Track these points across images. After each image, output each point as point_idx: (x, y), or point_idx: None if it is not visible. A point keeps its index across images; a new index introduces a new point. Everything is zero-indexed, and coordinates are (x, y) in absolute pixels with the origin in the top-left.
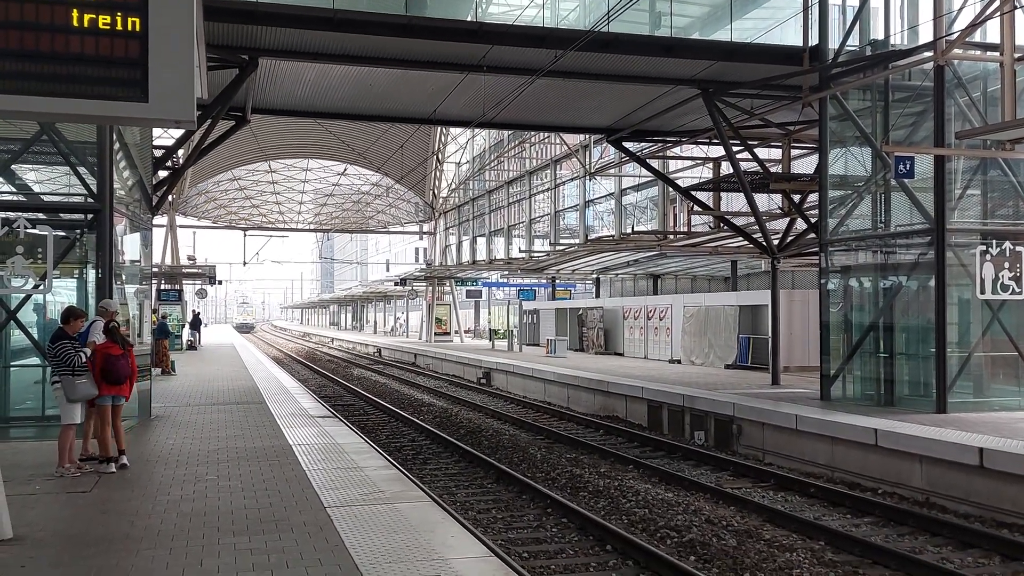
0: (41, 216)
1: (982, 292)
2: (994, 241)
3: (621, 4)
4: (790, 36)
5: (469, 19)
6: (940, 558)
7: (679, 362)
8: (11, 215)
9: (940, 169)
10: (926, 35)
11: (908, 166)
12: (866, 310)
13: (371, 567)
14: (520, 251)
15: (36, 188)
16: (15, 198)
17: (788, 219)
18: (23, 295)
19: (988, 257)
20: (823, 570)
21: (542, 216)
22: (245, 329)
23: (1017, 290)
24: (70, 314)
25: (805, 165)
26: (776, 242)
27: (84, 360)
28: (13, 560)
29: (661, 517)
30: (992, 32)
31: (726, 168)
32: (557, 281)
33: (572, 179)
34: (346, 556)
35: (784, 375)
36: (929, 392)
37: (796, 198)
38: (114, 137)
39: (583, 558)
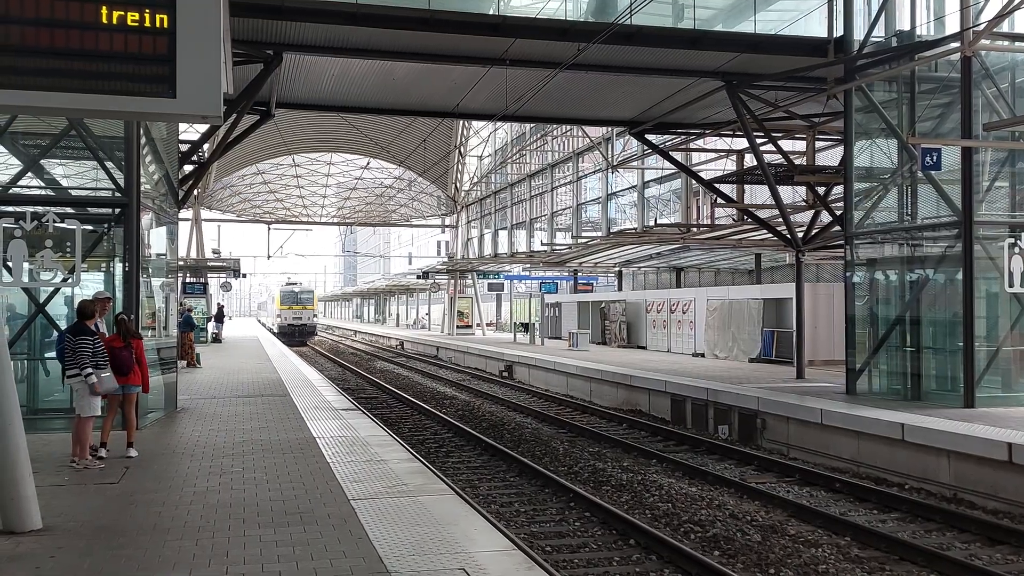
0: (69, 210)
1: (1010, 285)
2: (1023, 234)
3: None
4: (815, 27)
5: (492, 12)
6: (968, 555)
7: (703, 356)
8: (40, 209)
9: (967, 161)
10: (953, 26)
11: (935, 158)
12: (892, 303)
13: (395, 560)
14: (542, 244)
15: (64, 183)
16: (44, 193)
17: (813, 212)
18: (52, 288)
19: (1017, 250)
20: (849, 566)
21: (564, 209)
22: (296, 335)
23: None
24: (89, 308)
25: (830, 157)
26: (800, 235)
27: (87, 368)
28: (43, 550)
29: (685, 511)
30: (1020, 22)
31: (750, 160)
32: (579, 274)
33: (594, 172)
34: (370, 548)
35: (809, 369)
36: (956, 387)
37: (821, 190)
38: (141, 132)
39: (606, 552)
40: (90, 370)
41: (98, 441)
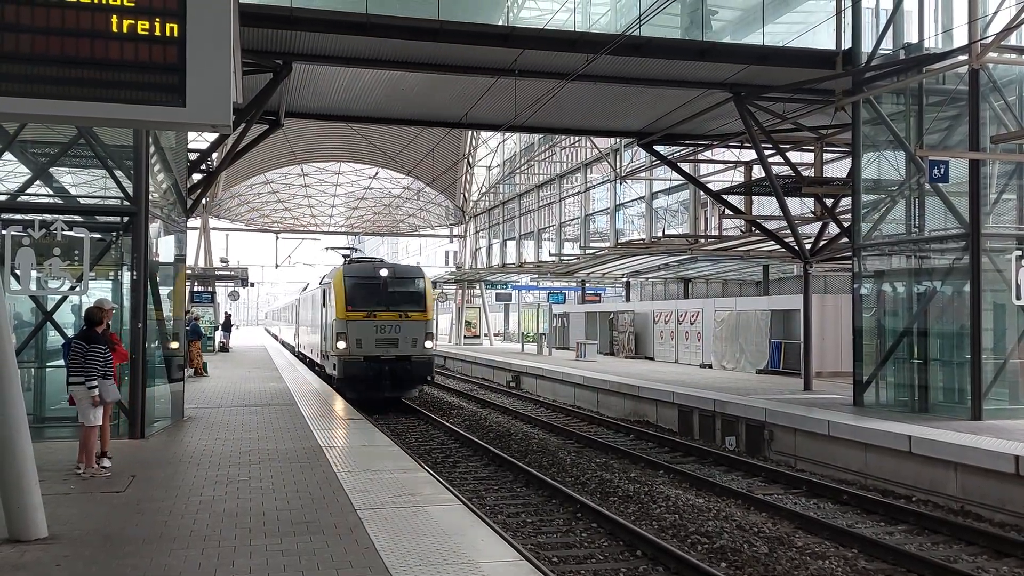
0: (78, 218)
1: (1018, 298)
2: None
3: (653, 8)
4: (823, 39)
5: (501, 23)
6: (975, 567)
7: (710, 367)
8: (49, 217)
9: (975, 173)
10: (961, 39)
11: (942, 170)
12: (900, 315)
13: (401, 570)
14: (550, 254)
15: (73, 191)
16: (53, 201)
17: (820, 223)
18: (59, 296)
19: None
20: None
21: (572, 219)
22: (388, 383)
23: None
24: (97, 315)
25: (838, 169)
26: (808, 246)
27: (93, 379)
28: (49, 558)
29: (692, 523)
30: None
31: (758, 172)
32: (587, 284)
33: (603, 182)
34: (376, 559)
35: (816, 380)
36: (964, 399)
37: (829, 202)
38: (150, 140)
39: (613, 563)
40: (95, 381)
41: (98, 450)
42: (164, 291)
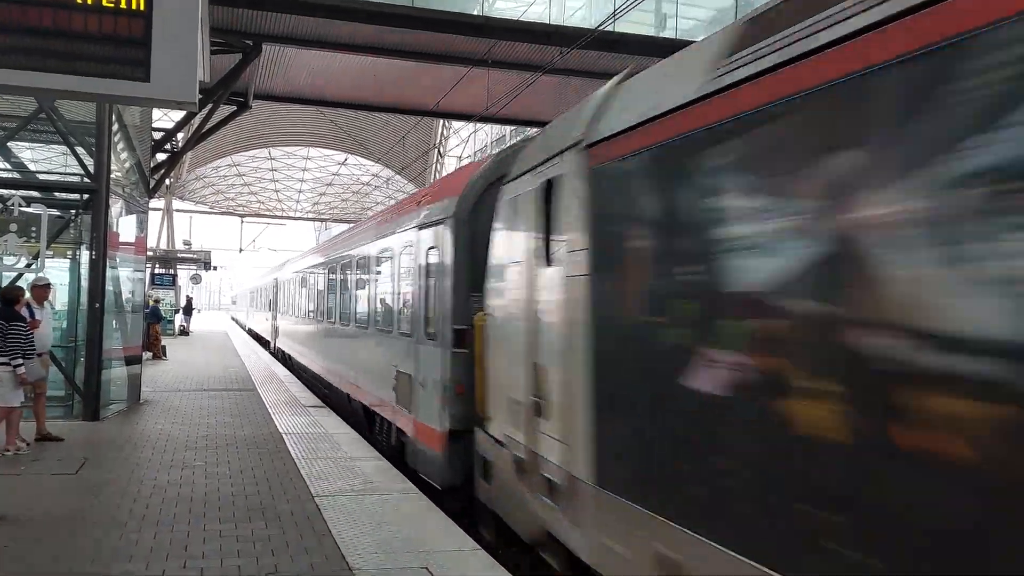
0: (36, 194)
1: None
2: None
3: (627, 4)
4: None
5: (476, 13)
6: None
7: None
8: (6, 193)
9: None
10: None
11: None
12: None
13: (358, 557)
14: None
15: (32, 166)
16: (11, 176)
17: None
18: (15, 273)
19: None
20: None
21: None
22: None
23: None
24: (14, 292)
25: None
26: None
27: (18, 358)
28: None
29: None
30: None
31: None
32: None
33: None
34: (333, 545)
35: None
36: None
37: None
38: (113, 117)
39: None
40: (20, 360)
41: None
42: (124, 272)
